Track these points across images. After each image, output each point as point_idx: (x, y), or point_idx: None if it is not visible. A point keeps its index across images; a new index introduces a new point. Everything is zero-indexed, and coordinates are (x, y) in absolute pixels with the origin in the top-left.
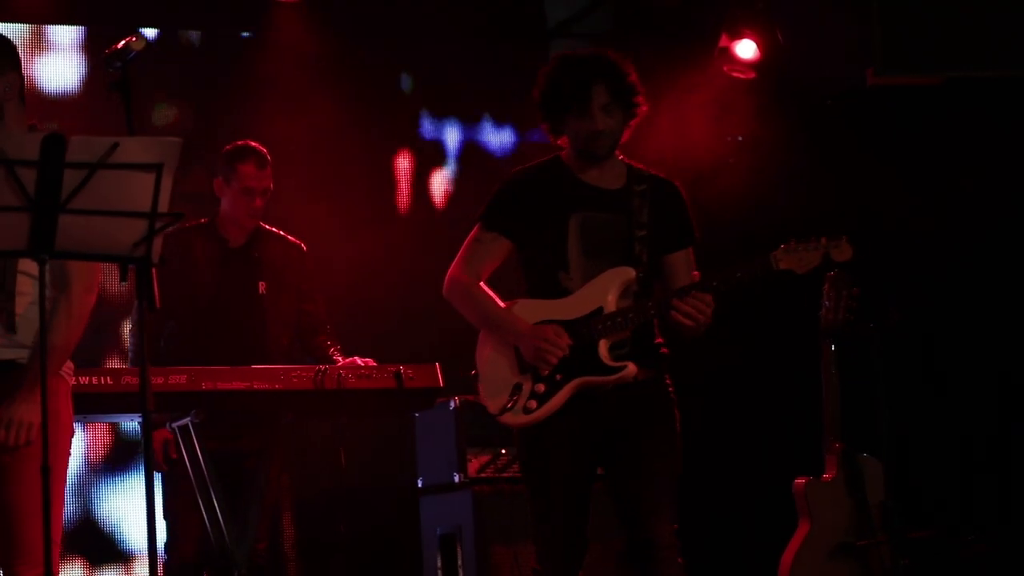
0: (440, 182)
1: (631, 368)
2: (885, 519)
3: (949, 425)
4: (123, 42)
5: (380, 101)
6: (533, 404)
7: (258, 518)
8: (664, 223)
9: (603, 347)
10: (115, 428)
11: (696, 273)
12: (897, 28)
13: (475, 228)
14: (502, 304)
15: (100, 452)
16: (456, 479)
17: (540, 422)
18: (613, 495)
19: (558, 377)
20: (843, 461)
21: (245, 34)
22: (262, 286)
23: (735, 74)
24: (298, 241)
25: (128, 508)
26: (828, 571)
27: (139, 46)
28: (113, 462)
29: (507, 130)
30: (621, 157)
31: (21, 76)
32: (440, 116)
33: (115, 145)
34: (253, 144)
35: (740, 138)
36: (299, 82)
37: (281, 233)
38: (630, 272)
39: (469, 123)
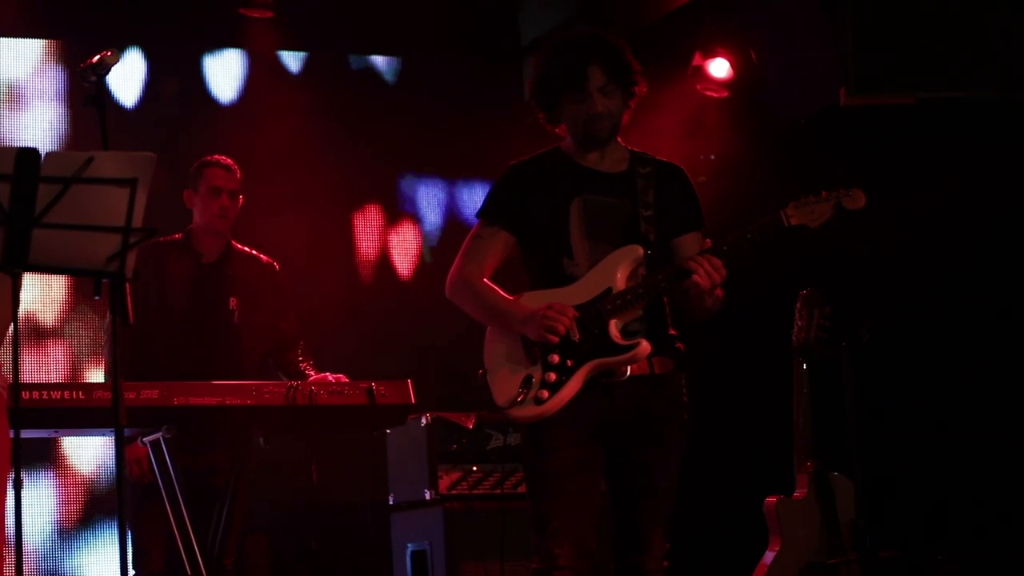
0: (414, 200)
1: (644, 345)
2: (855, 538)
3: (920, 444)
4: (98, 56)
5: (351, 117)
6: (545, 394)
7: (227, 534)
8: (671, 206)
9: (614, 327)
10: (88, 486)
11: (708, 241)
12: (870, 49)
13: (476, 225)
14: (507, 296)
15: (72, 513)
16: (427, 496)
17: (552, 415)
18: (612, 507)
19: (569, 363)
20: (814, 480)
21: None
22: (233, 301)
23: (708, 93)
24: (270, 260)
25: (102, 566)
26: None
27: (114, 60)
28: (85, 520)
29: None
30: (623, 143)
31: None
32: (413, 137)
33: (90, 159)
34: (218, 156)
35: (712, 157)
36: (273, 95)
37: (253, 252)
38: (638, 250)
39: (444, 149)
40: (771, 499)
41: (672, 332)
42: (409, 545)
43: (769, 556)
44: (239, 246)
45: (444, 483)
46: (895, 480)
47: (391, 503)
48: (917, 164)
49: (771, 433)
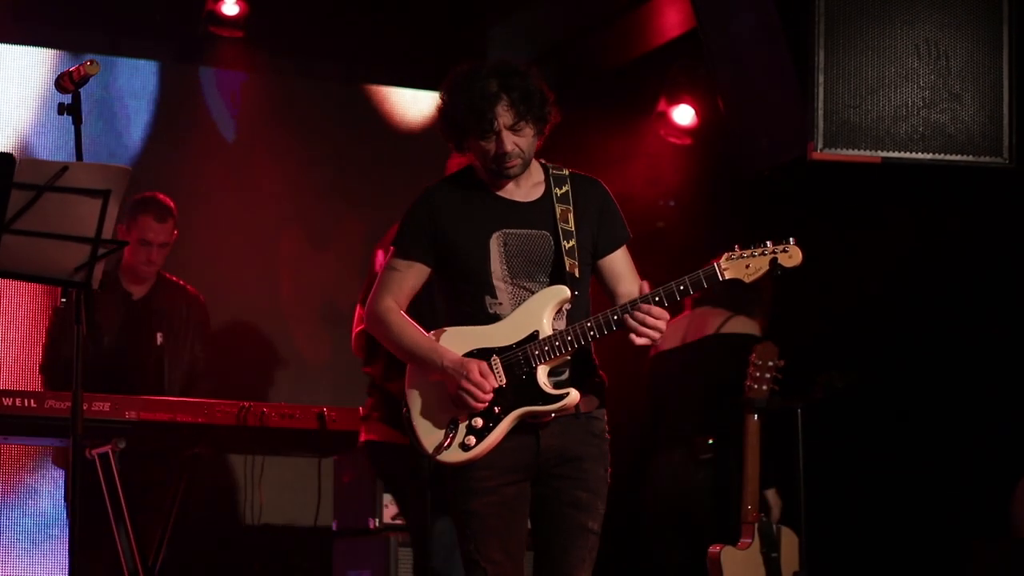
0: (372, 223)
1: (574, 395)
2: None
3: (867, 501)
4: (77, 67)
5: (315, 141)
6: (471, 440)
7: (163, 548)
8: (593, 225)
9: (542, 374)
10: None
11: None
12: (840, 105)
13: (389, 254)
14: (426, 334)
15: None
16: (371, 525)
17: (478, 460)
18: (535, 547)
19: (496, 410)
20: (760, 531)
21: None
22: (160, 337)
23: (670, 139)
24: (196, 292)
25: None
26: None
27: (94, 71)
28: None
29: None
30: (537, 160)
31: None
32: (374, 171)
33: (64, 169)
34: (160, 197)
35: (672, 203)
36: (241, 112)
37: (181, 283)
38: (565, 291)
39: (404, 184)
40: (715, 548)
41: (596, 361)
42: (350, 573)
43: None
44: (169, 276)
45: (388, 512)
46: (840, 535)
47: (334, 530)
48: (880, 222)
49: (721, 482)
